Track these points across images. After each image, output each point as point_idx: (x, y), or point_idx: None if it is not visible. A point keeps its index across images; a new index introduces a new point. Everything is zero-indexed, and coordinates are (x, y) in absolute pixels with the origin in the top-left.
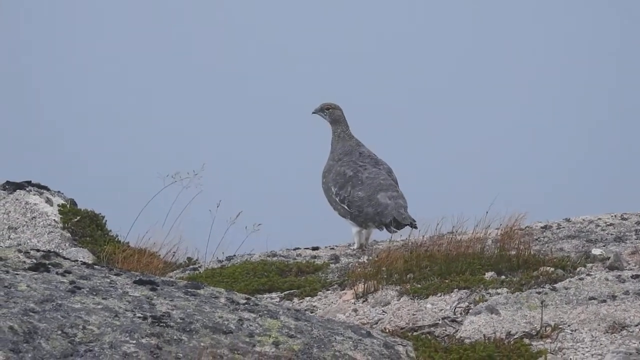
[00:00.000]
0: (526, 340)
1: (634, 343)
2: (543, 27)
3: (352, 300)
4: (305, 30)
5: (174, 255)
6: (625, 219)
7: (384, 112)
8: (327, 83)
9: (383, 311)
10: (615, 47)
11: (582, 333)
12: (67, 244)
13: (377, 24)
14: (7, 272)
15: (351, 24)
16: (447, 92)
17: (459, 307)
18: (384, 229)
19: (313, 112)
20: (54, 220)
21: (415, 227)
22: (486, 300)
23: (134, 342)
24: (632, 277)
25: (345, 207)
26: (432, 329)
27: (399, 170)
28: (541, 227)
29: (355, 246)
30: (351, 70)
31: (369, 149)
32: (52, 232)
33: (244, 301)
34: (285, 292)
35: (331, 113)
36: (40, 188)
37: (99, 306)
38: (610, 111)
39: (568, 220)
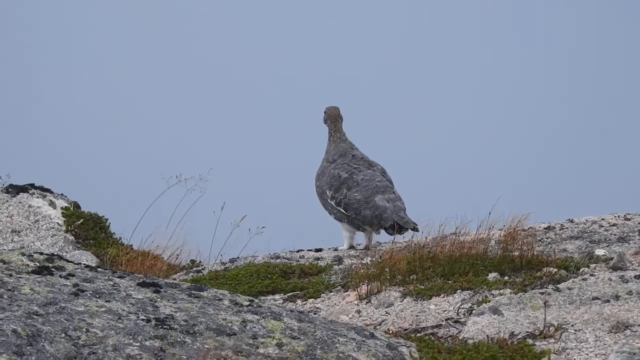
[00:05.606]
0: (529, 341)
1: (638, 343)
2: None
3: (356, 302)
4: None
5: (177, 258)
6: (629, 219)
7: (387, 114)
8: (334, 89)
9: (386, 312)
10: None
11: (585, 333)
12: (70, 247)
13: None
14: (11, 275)
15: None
16: (452, 95)
17: (462, 308)
18: (382, 232)
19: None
20: (57, 223)
21: (417, 230)
22: (489, 301)
23: (138, 344)
24: (635, 277)
25: (342, 210)
26: (435, 330)
27: (403, 171)
28: (544, 228)
29: (345, 247)
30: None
31: (362, 152)
32: (55, 235)
33: (247, 303)
34: (289, 294)
35: (324, 115)
36: (44, 191)
37: (103, 309)
38: (619, 110)
39: (571, 221)
